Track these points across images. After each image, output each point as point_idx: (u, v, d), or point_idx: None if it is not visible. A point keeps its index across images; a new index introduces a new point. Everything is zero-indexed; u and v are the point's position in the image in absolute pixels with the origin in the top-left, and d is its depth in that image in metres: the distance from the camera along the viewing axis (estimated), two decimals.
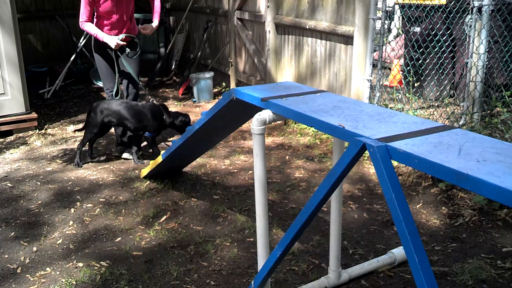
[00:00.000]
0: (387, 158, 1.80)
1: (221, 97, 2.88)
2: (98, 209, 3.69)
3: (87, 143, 4.58)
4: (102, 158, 4.69)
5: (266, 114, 2.44)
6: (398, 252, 2.88)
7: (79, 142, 4.61)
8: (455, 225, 3.31)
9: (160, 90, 7.53)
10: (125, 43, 4.53)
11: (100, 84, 7.85)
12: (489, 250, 2.99)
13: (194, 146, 3.68)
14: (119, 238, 3.29)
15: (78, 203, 3.79)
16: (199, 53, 7.75)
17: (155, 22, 4.74)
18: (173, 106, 6.60)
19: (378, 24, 4.88)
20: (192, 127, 3.27)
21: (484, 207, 3.42)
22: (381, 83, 4.91)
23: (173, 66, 8.12)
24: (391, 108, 4.99)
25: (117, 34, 4.53)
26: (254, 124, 2.43)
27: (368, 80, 4.79)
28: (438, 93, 5.63)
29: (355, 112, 2.27)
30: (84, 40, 7.56)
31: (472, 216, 3.37)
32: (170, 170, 4.19)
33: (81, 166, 4.49)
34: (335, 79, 5.27)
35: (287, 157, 4.66)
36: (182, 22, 8.21)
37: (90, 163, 4.60)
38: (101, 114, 4.38)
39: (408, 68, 5.80)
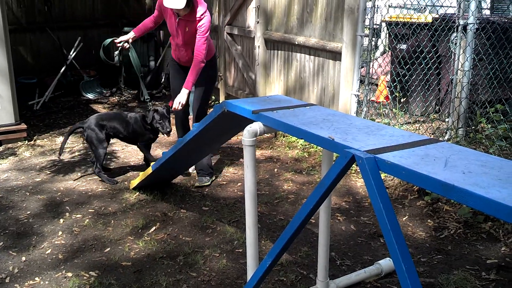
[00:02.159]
0: (375, 169, 1.86)
1: (212, 109, 2.94)
2: (87, 220, 3.69)
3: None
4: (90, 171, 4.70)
5: (257, 126, 2.49)
6: (385, 263, 2.94)
7: (96, 168, 4.42)
8: (441, 237, 3.37)
9: (150, 103, 7.55)
10: (117, 44, 4.29)
11: (89, 96, 7.85)
12: (473, 262, 3.05)
13: (184, 157, 3.72)
14: (108, 249, 3.30)
15: (67, 214, 3.80)
16: None
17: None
18: None
19: (366, 41, 4.99)
20: (183, 138, 3.31)
21: (469, 220, 3.49)
22: (368, 98, 5.00)
23: (163, 79, 8.16)
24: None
25: (179, 61, 4.35)
26: (246, 136, 2.48)
27: (355, 95, 4.87)
28: (423, 109, 5.74)
29: (344, 125, 2.33)
30: (75, 53, 7.58)
31: (457, 228, 3.44)
32: (159, 181, 4.21)
33: (117, 183, 4.40)
34: (324, 94, 5.35)
35: (275, 170, 4.70)
36: None
37: (79, 174, 4.61)
38: (103, 128, 4.39)
39: (394, 84, 5.91)
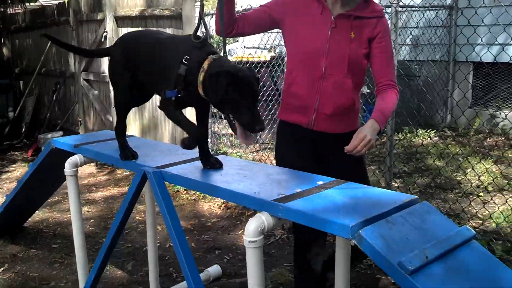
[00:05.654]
0: (161, 180, 2.27)
1: (43, 148, 3.21)
2: None
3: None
4: None
5: (77, 158, 2.81)
6: (213, 270, 3.35)
7: None
8: (268, 243, 3.87)
9: (9, 153, 7.48)
10: None
11: None
12: (291, 260, 3.54)
13: (28, 199, 3.89)
14: None
15: None
16: (48, 114, 7.89)
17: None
18: (21, 168, 6.63)
19: None
20: (21, 179, 3.51)
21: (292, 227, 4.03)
22: (212, 130, 5.52)
23: (23, 129, 8.13)
24: (223, 152, 5.59)
25: (310, 119, 2.39)
26: (67, 167, 2.79)
27: None
28: (269, 136, 6.37)
29: (150, 149, 2.73)
30: None
31: (282, 235, 3.96)
32: (9, 225, 4.29)
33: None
34: (175, 130, 5.76)
35: None
36: (32, 86, 8.32)
37: None
38: None
39: None
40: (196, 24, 2.10)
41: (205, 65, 2.01)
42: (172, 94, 2.11)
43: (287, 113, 2.49)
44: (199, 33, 2.17)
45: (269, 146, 6.27)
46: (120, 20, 6.28)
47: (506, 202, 3.91)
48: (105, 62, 6.68)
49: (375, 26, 2.33)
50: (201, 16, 2.13)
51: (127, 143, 2.63)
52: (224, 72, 1.94)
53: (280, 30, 2.48)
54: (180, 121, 2.28)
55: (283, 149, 2.55)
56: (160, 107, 2.29)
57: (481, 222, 3.76)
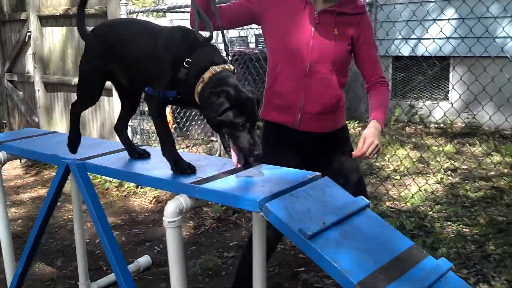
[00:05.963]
0: (83, 171, 2.33)
1: None
2: None
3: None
4: None
5: (0, 155, 2.81)
6: (142, 260, 3.43)
7: None
8: (198, 233, 3.99)
9: None
10: None
11: None
12: (219, 247, 3.70)
13: None
14: None
15: None
16: None
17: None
18: None
19: None
20: None
21: (222, 215, 4.17)
22: (141, 127, 5.56)
23: None
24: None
25: (295, 119, 2.38)
26: None
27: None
28: (199, 132, 6.49)
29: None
30: None
31: (212, 224, 4.10)
32: None
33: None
34: (103, 127, 5.75)
35: (59, 203, 4.94)
36: None
37: None
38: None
39: (175, 114, 6.61)
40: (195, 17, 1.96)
41: (206, 76, 1.83)
42: (172, 94, 1.91)
43: (271, 112, 2.42)
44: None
45: (199, 142, 6.38)
46: (44, 20, 6.18)
47: (413, 180, 4.25)
48: (29, 63, 6.54)
49: (358, 23, 2.32)
50: (196, 6, 1.97)
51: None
52: (224, 94, 1.75)
53: (257, 26, 2.44)
54: (163, 131, 2.04)
55: (267, 150, 2.27)
56: (145, 99, 2.03)
57: (396, 202, 4.06)
